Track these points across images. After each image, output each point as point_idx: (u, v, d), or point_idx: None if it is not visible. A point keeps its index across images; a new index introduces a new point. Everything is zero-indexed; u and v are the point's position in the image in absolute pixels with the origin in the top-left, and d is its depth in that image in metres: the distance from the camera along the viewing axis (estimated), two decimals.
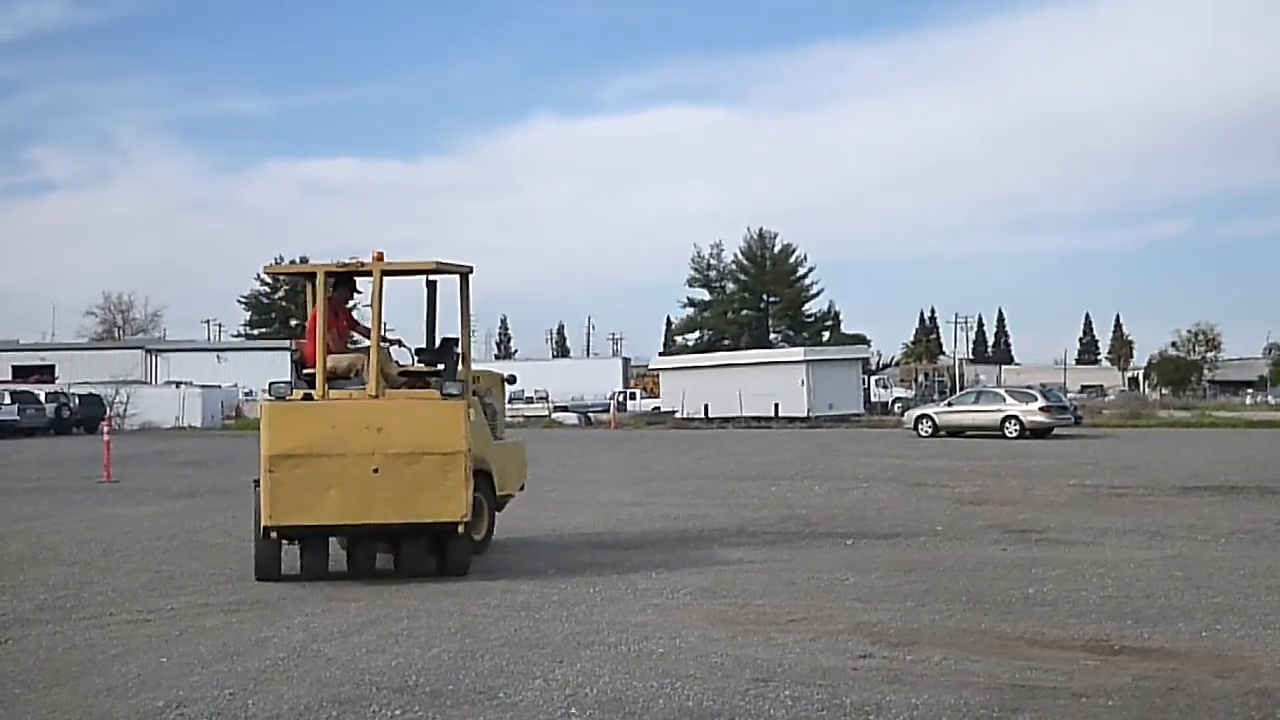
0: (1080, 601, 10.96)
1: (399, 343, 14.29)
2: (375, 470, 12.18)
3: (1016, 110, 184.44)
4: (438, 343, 14.27)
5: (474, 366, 14.49)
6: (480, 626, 9.93)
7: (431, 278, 13.95)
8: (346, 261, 13.23)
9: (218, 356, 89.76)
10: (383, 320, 13.31)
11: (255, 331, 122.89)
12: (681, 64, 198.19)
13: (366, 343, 13.37)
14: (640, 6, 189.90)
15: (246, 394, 76.36)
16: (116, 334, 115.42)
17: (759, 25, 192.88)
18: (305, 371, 13.52)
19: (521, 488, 15.81)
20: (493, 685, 7.98)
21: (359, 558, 12.82)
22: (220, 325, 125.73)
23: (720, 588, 11.80)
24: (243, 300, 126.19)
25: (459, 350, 13.85)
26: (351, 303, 13.67)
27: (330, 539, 12.83)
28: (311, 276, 13.66)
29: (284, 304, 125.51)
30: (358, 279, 13.54)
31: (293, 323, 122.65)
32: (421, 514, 12.27)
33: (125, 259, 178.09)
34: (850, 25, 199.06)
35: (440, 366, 13.87)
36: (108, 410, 56.23)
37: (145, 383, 77.78)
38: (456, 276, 13.84)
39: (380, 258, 12.94)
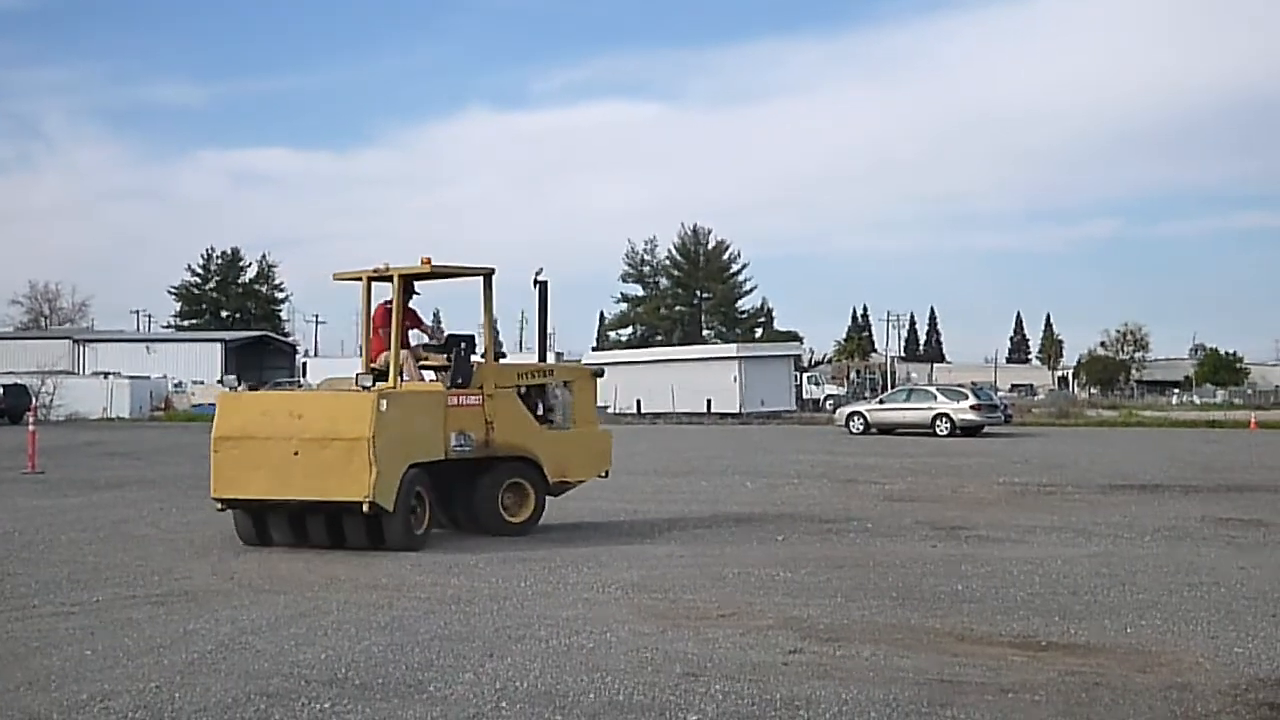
0: (1008, 598, 11.06)
1: (443, 339, 15.79)
2: (295, 453, 13.59)
3: (951, 109, 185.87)
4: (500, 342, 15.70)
5: (561, 364, 16.71)
6: (410, 620, 9.90)
7: (540, 279, 15.81)
8: (378, 268, 14.98)
9: (147, 347, 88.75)
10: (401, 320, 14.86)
11: (185, 322, 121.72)
12: (617, 58, 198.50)
13: (425, 340, 15.71)
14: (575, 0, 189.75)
15: (176, 385, 75.60)
16: (43, 323, 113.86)
17: (694, 20, 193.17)
18: (372, 365, 15.06)
19: (605, 474, 16.87)
20: (423, 678, 7.95)
21: (310, 531, 14.05)
22: (150, 316, 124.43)
23: (651, 582, 11.81)
24: (173, 291, 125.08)
25: (465, 346, 15.09)
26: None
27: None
28: (380, 279, 15.19)
29: (214, 295, 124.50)
30: (416, 281, 15.21)
31: (223, 314, 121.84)
32: (330, 493, 13.58)
33: (52, 248, 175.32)
34: (786, 21, 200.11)
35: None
36: (33, 400, 55.31)
37: (72, 373, 76.74)
38: (480, 278, 15.45)
39: (427, 262, 14.57)
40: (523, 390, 15.87)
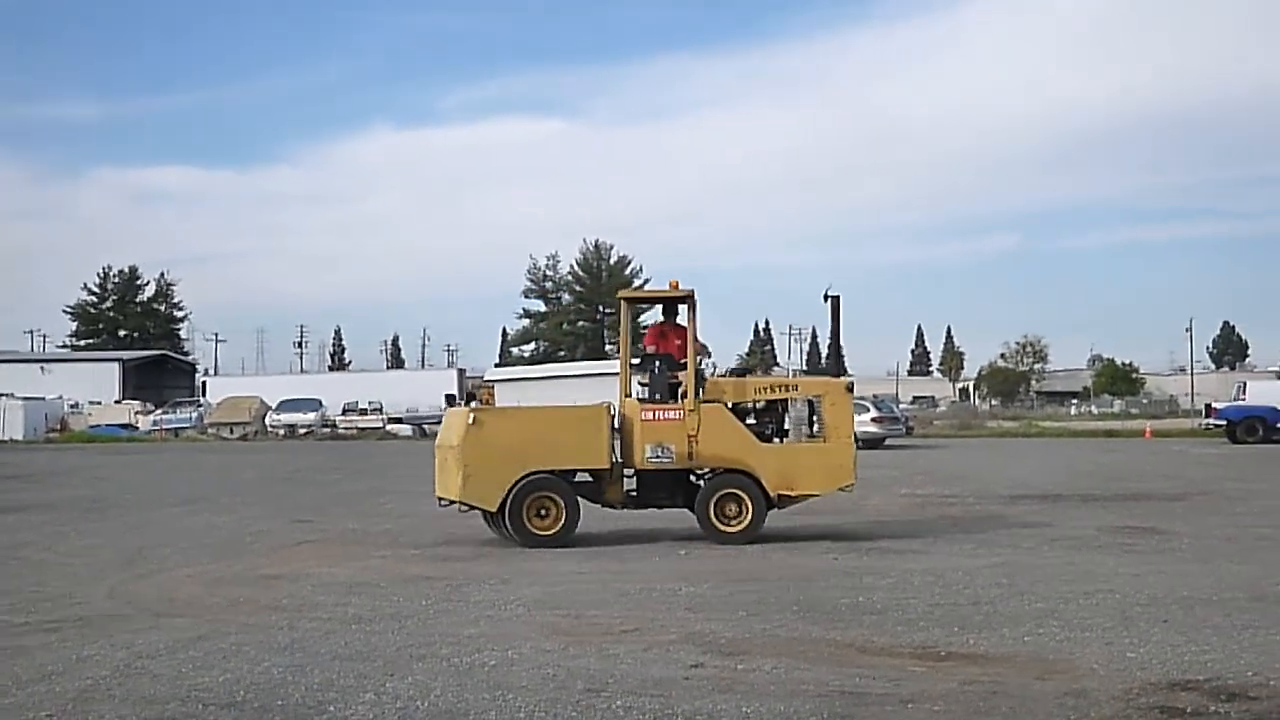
0: (909, 609, 11.15)
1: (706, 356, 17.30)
2: (445, 460, 16.10)
3: (852, 124, 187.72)
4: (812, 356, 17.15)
5: (808, 378, 19.37)
6: (310, 641, 9.80)
7: (832, 294, 17.30)
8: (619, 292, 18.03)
9: (41, 367, 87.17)
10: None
11: (82, 342, 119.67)
12: (520, 75, 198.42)
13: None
14: (479, 17, 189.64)
15: (73, 406, 74.25)
16: None
17: (598, 38, 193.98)
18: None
19: (848, 489, 17.16)
20: (323, 700, 7.88)
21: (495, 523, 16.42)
22: (45, 336, 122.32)
23: (553, 599, 11.79)
24: (68, 310, 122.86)
25: (660, 365, 16.64)
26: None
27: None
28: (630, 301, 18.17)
29: (112, 314, 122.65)
30: (679, 304, 17.34)
31: (121, 334, 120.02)
32: (450, 492, 15.98)
33: None
34: (689, 39, 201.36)
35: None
36: None
37: None
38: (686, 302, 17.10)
39: (675, 286, 16.98)
40: (759, 405, 16.91)
